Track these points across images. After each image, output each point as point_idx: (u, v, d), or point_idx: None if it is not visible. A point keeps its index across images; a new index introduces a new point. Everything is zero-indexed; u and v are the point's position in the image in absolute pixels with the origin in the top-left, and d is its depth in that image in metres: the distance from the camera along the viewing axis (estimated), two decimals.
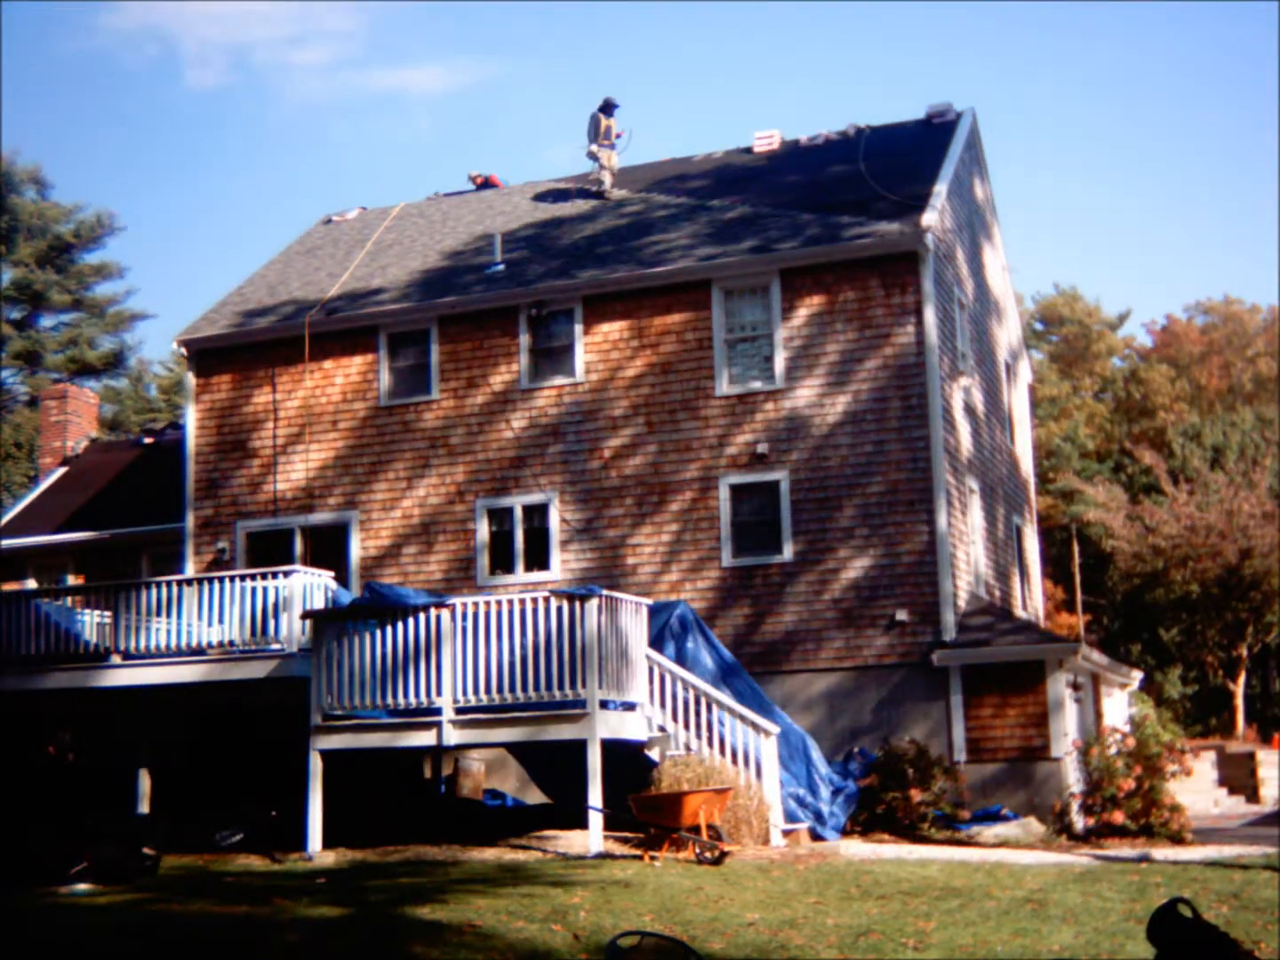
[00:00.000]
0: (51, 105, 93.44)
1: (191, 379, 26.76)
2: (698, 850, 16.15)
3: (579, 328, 24.43)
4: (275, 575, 20.11)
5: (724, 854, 15.96)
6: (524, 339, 24.71)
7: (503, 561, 24.29)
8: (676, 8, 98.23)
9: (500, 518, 24.47)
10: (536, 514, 24.26)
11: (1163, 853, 17.62)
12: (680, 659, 19.76)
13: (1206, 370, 62.73)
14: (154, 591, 20.84)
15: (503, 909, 12.39)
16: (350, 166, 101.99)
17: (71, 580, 28.65)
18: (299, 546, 25.30)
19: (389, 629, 18.13)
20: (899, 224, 23.37)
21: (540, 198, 29.70)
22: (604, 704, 17.41)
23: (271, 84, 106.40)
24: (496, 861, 16.51)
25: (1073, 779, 20.52)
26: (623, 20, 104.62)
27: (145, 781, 20.73)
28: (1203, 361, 63.07)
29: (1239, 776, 31.19)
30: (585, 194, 29.12)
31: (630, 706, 18.33)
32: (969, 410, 25.01)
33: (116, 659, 20.37)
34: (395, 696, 17.98)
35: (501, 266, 25.99)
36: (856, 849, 17.84)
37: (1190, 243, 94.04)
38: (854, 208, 24.54)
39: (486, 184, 32.06)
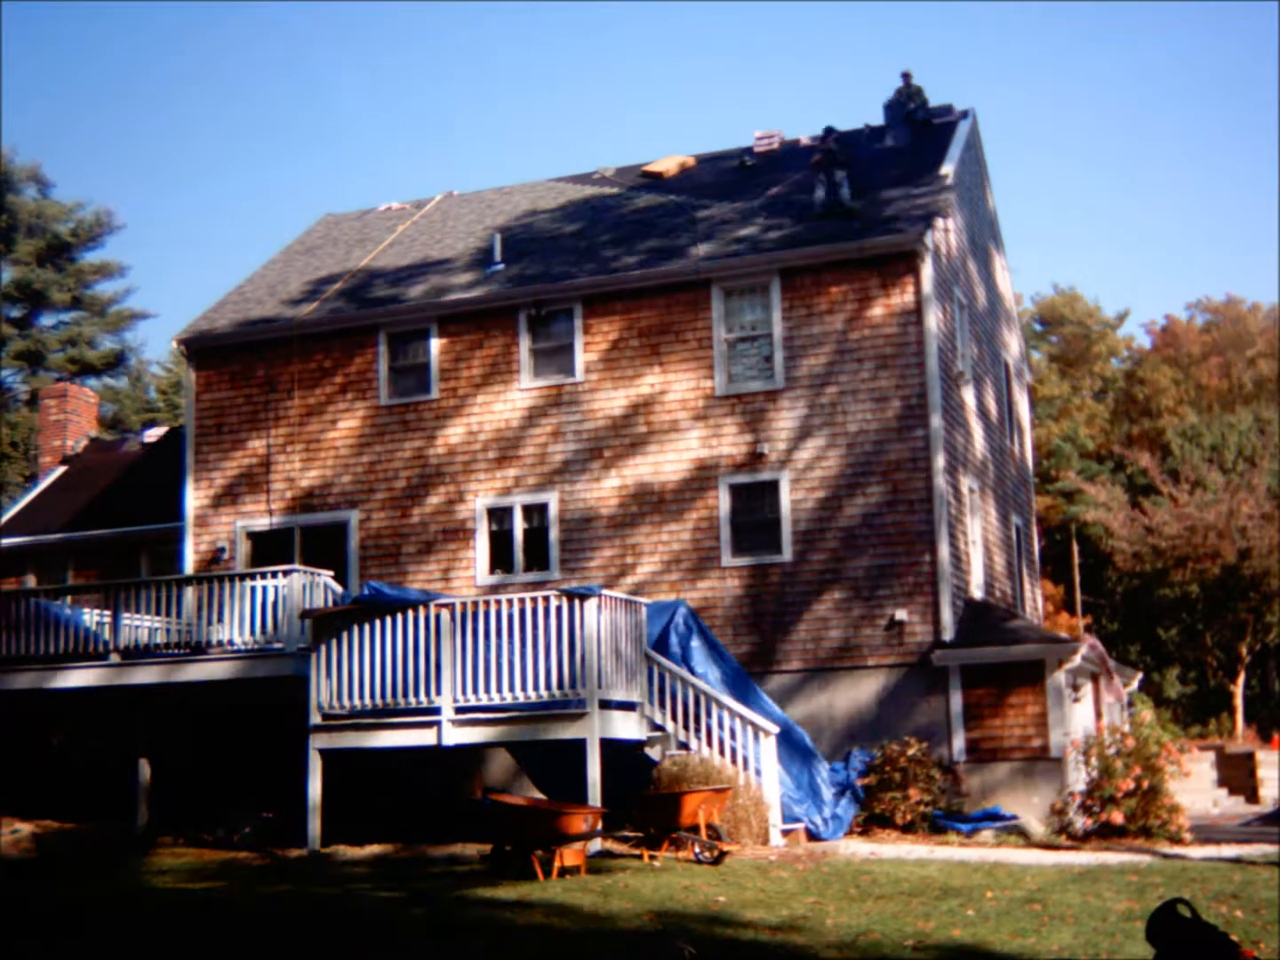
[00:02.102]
0: (52, 103, 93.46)
1: (191, 378, 26.76)
2: (697, 850, 16.16)
3: (579, 327, 24.42)
4: (275, 574, 20.12)
5: (723, 853, 15.97)
6: (524, 338, 24.70)
7: (502, 561, 24.29)
8: (677, 7, 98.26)
9: (500, 517, 24.47)
10: (536, 513, 24.26)
11: (1162, 853, 17.63)
12: (680, 658, 19.76)
13: (1206, 370, 62.70)
14: (153, 590, 20.86)
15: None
16: (353, 165, 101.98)
17: (71, 579, 28.64)
18: (298, 545, 25.30)
19: (388, 628, 18.14)
20: (898, 224, 23.38)
21: (540, 197, 29.70)
22: (604, 703, 17.42)
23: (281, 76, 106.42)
24: (486, 866, 16.49)
25: (1072, 779, 20.52)
26: (623, 20, 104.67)
27: (144, 780, 20.73)
28: (1203, 361, 63.05)
29: (1238, 777, 31.18)
30: (585, 194, 29.13)
31: (630, 706, 18.34)
32: (969, 410, 25.01)
33: (116, 658, 20.38)
34: (395, 695, 17.99)
35: (501, 266, 26.00)
36: (856, 849, 17.84)
37: (1191, 242, 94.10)
38: (854, 207, 24.54)
39: None
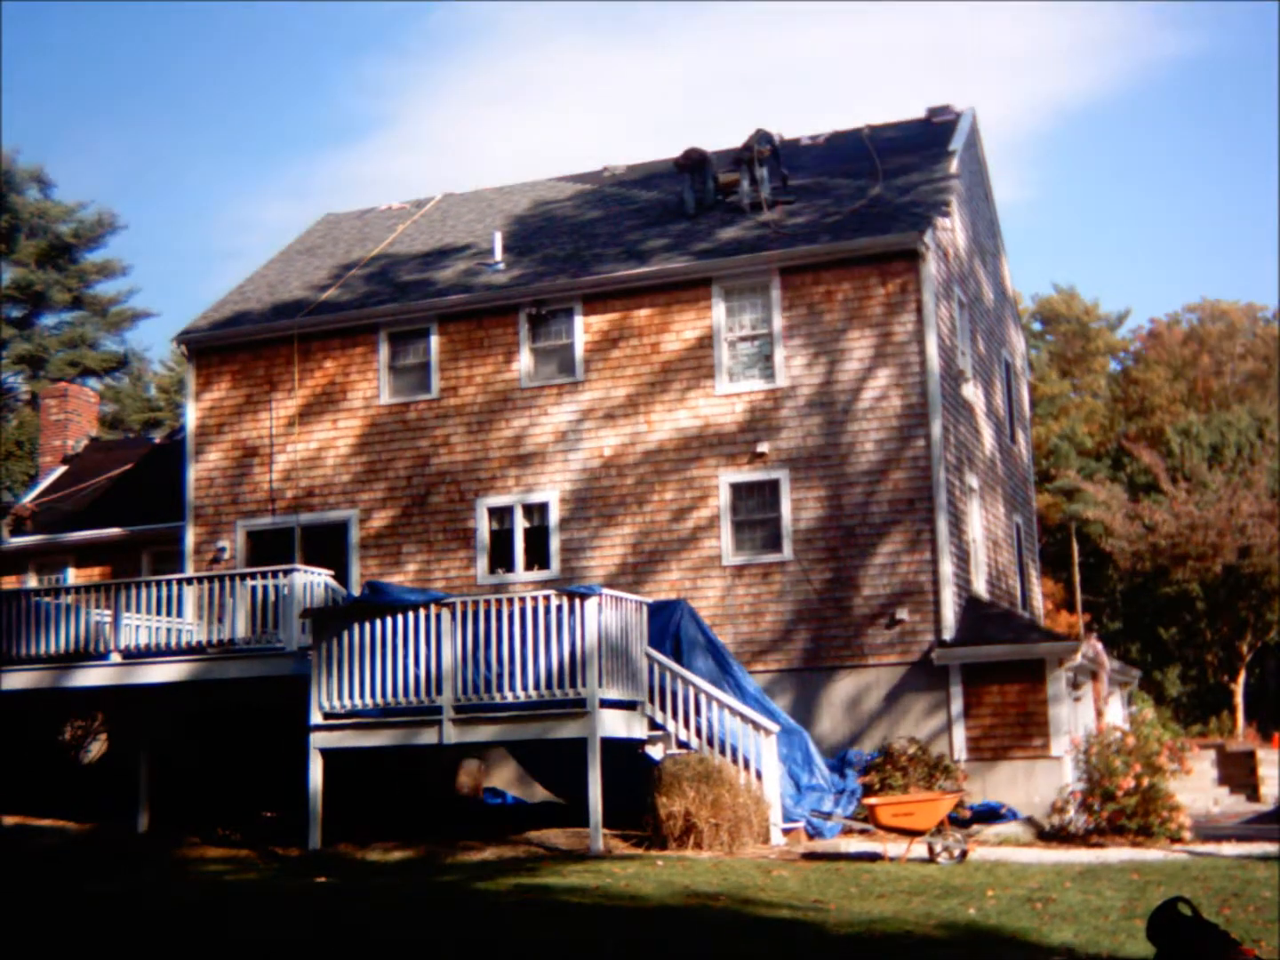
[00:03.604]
0: (53, 103, 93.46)
1: (191, 378, 26.76)
2: None
3: (579, 326, 24.42)
4: (275, 574, 20.12)
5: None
6: (524, 337, 24.71)
7: (503, 560, 24.29)
8: (675, 8, 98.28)
9: (500, 516, 24.48)
10: (536, 513, 24.26)
11: (1162, 851, 17.63)
12: (680, 658, 19.77)
13: (1199, 369, 62.73)
14: (154, 590, 20.86)
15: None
16: (355, 164, 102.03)
17: (72, 578, 28.65)
18: (299, 545, 25.31)
19: (389, 628, 18.14)
20: (899, 222, 23.39)
21: (541, 196, 29.71)
22: (604, 702, 17.42)
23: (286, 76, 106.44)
24: (496, 860, 16.54)
25: (1072, 777, 20.53)
26: (622, 20, 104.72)
27: (146, 780, 20.71)
28: (1195, 361, 63.09)
29: (1239, 775, 31.13)
30: (586, 193, 29.14)
31: (631, 705, 18.34)
32: (970, 408, 25.01)
33: (117, 657, 20.37)
34: (395, 695, 17.99)
35: (502, 265, 26.00)
36: (856, 847, 17.85)
37: (1191, 242, 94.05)
38: (854, 207, 24.56)
39: None
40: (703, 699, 18.84)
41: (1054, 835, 19.59)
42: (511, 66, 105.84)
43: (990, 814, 20.09)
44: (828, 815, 19.15)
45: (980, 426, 25.92)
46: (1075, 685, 22.40)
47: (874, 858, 16.83)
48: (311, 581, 20.47)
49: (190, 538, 26.11)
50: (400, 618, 18.14)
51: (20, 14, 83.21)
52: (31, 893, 14.91)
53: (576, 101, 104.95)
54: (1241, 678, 44.55)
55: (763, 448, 23.06)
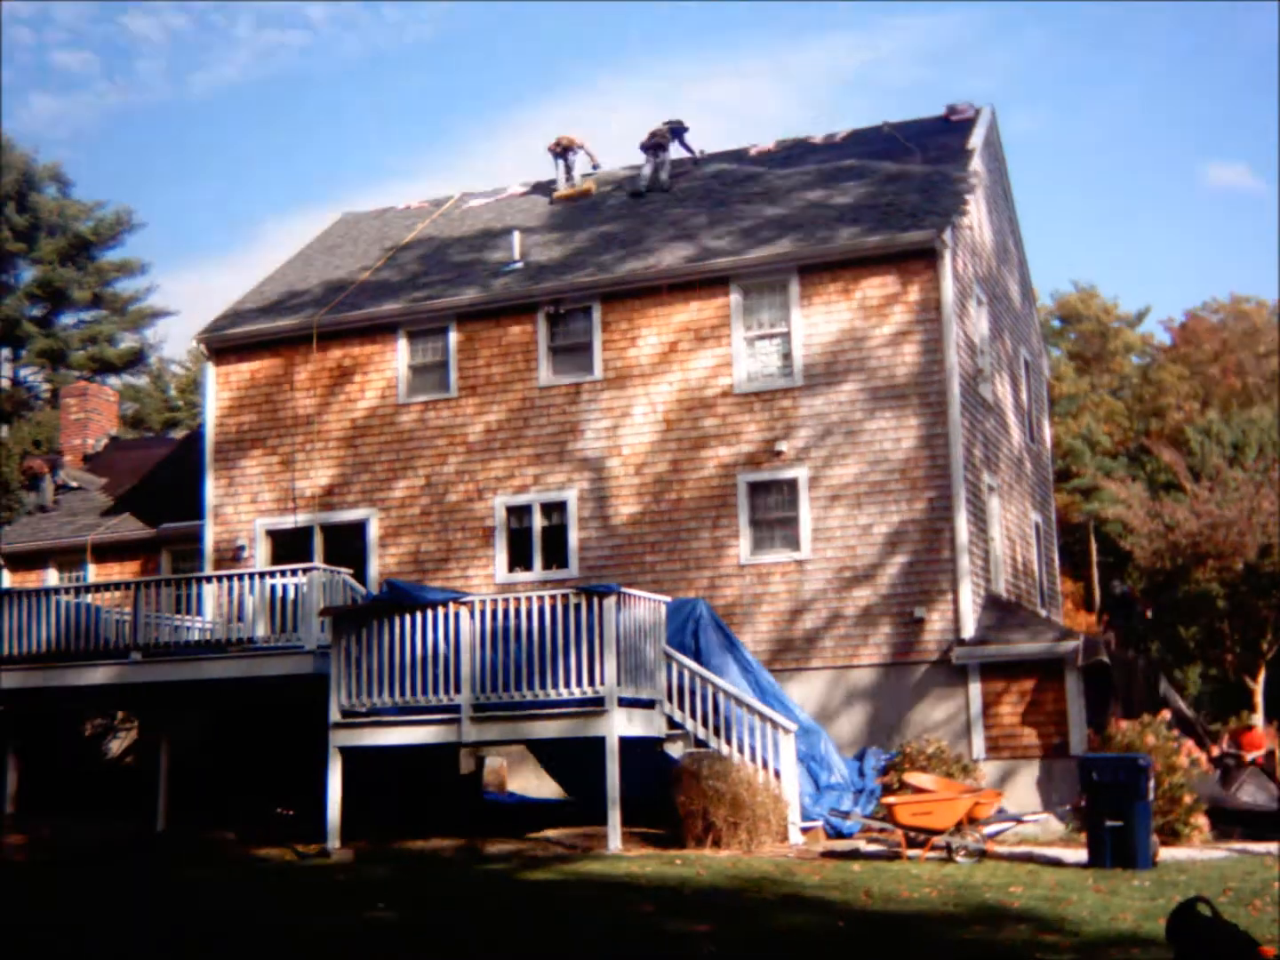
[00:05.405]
0: (75, 105, 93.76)
1: (211, 376, 26.84)
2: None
3: (597, 324, 24.43)
4: (295, 573, 20.19)
5: None
6: (542, 336, 24.73)
7: (521, 558, 24.31)
8: (681, 8, 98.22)
9: (519, 515, 24.50)
10: (555, 511, 24.28)
11: (1182, 851, 17.57)
12: (698, 656, 19.77)
13: (1221, 368, 62.49)
14: (174, 588, 20.95)
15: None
16: (374, 163, 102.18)
17: (92, 576, 28.78)
18: (318, 544, 25.37)
19: (408, 626, 18.19)
20: (918, 221, 23.35)
21: (559, 196, 29.69)
22: (622, 701, 17.44)
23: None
24: (512, 856, 16.58)
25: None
26: (628, 18, 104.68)
27: (164, 778, 20.80)
28: (1217, 359, 62.86)
29: None
30: (604, 192, 29.12)
31: (649, 703, 18.36)
32: (989, 407, 24.96)
33: (137, 656, 20.46)
34: (414, 693, 18.04)
35: (520, 264, 26.02)
36: (875, 847, 17.83)
37: (1205, 240, 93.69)
38: (872, 204, 24.54)
39: None
40: (721, 698, 18.84)
41: (1073, 835, 19.53)
42: (515, 65, 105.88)
43: (1008, 813, 20.00)
44: (846, 814, 19.13)
45: (1001, 425, 25.88)
46: None
47: (893, 857, 16.81)
48: (331, 580, 20.53)
49: (210, 536, 26.18)
50: (419, 616, 18.18)
51: (39, 11, 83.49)
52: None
53: (572, 101, 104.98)
54: (1262, 676, 44.35)
55: (781, 446, 23.04)
